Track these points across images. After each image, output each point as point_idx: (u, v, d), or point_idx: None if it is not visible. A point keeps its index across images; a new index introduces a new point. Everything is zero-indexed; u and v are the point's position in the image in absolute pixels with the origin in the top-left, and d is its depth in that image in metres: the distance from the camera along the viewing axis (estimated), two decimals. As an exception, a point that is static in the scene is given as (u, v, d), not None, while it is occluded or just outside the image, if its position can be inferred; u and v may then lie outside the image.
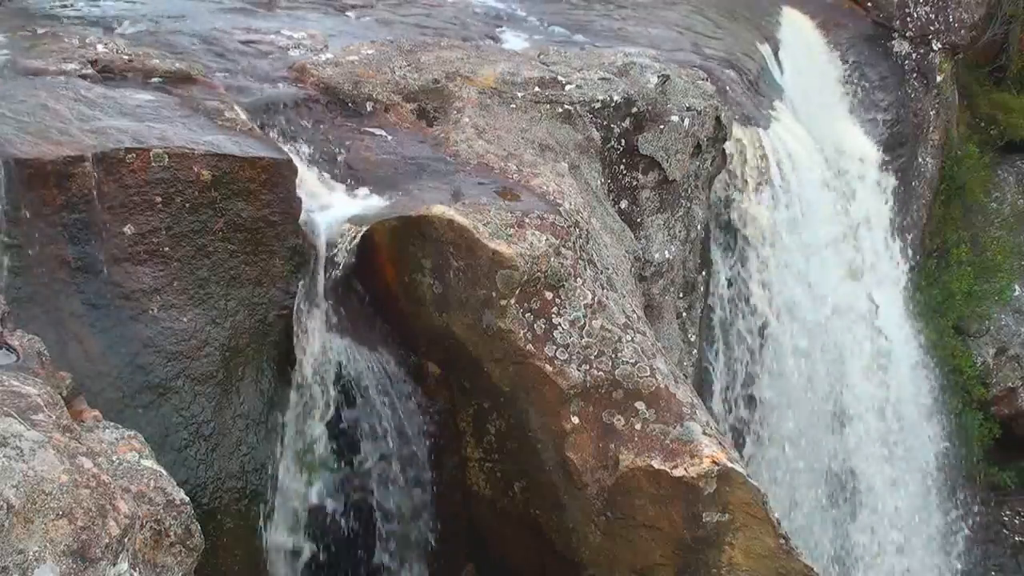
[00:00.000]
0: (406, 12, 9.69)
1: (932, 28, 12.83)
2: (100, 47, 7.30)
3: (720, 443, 6.88)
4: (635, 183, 8.49)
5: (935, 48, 12.85)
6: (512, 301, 6.76)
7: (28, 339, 5.10)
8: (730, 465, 6.74)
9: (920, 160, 13.02)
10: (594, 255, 7.18)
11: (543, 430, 6.92)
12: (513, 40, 9.50)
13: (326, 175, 7.18)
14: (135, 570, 4.34)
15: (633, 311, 7.24)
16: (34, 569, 3.99)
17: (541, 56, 8.78)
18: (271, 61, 7.98)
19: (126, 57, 7.22)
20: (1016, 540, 13.42)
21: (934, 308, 13.16)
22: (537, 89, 8.12)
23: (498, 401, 7.03)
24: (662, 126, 8.47)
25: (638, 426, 6.83)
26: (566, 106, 8.12)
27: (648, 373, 6.91)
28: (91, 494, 4.24)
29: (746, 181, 9.42)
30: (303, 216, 6.68)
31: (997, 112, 14.74)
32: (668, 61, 9.06)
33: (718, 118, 8.86)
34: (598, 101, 8.25)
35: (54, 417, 4.50)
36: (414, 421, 6.96)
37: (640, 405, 6.86)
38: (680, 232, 8.78)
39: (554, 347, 6.82)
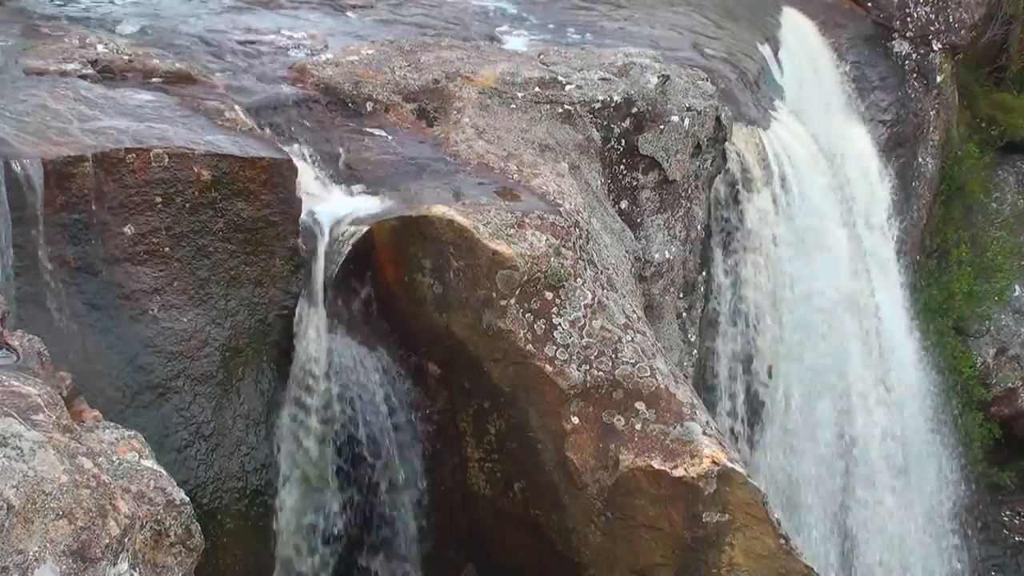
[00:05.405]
0: (406, 12, 9.69)
1: (932, 28, 12.83)
2: (100, 47, 7.29)
3: (720, 443, 6.88)
4: (635, 183, 8.48)
5: (935, 48, 12.84)
6: (512, 301, 6.76)
7: (28, 339, 5.09)
8: (730, 465, 6.74)
9: (920, 160, 13.01)
10: (594, 255, 7.17)
11: (543, 430, 6.92)
12: (513, 40, 9.49)
13: (326, 175, 7.18)
14: (135, 570, 4.33)
15: (633, 311, 7.24)
16: (34, 569, 3.98)
17: (541, 56, 8.77)
18: (271, 61, 7.98)
19: (126, 57, 7.22)
20: (1016, 540, 13.41)
21: (934, 308, 13.14)
22: (537, 89, 8.12)
23: (498, 401, 7.03)
24: (662, 126, 8.47)
25: (638, 426, 6.83)
26: (566, 106, 8.12)
27: (648, 373, 6.90)
28: (91, 494, 4.23)
29: (748, 180, 9.40)
30: (303, 216, 6.68)
31: (997, 112, 14.72)
32: (668, 61, 9.05)
33: (718, 118, 8.85)
34: (598, 101, 8.24)
35: (54, 417, 4.49)
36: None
37: (640, 405, 6.86)
38: (680, 232, 8.78)
39: (554, 347, 6.81)
